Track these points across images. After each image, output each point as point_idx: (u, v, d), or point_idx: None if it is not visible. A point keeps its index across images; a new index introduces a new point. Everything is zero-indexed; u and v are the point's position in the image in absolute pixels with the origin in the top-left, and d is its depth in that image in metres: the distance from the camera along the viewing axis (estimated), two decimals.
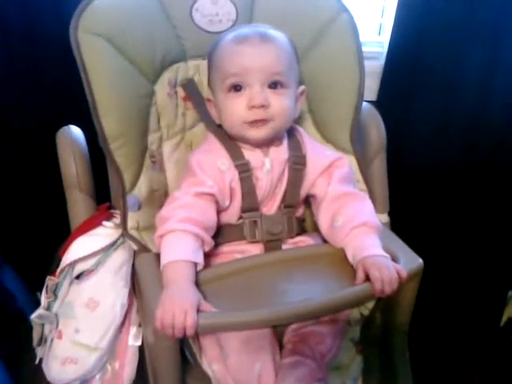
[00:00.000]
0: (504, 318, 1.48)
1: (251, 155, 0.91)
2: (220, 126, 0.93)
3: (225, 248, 0.92)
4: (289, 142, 0.94)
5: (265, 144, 0.91)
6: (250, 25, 0.97)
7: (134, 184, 0.92)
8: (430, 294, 1.18)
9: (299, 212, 0.98)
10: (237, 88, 0.86)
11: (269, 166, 0.91)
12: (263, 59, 0.85)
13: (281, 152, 0.92)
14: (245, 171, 0.89)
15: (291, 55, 0.91)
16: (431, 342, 1.43)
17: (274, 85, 0.86)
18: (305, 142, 0.96)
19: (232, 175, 0.89)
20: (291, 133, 0.96)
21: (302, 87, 0.94)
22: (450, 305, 1.53)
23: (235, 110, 0.87)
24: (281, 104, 0.86)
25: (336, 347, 0.90)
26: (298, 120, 1.05)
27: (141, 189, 0.92)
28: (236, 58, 0.86)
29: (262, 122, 0.86)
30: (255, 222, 0.91)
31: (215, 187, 0.86)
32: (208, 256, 0.90)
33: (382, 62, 1.38)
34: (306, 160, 0.93)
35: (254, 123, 0.86)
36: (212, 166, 0.88)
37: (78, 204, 0.98)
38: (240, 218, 0.92)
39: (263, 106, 0.85)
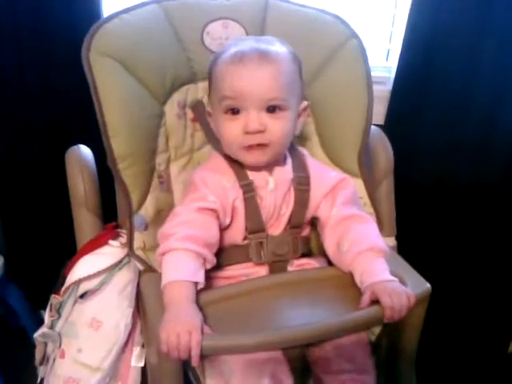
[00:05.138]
0: None
1: (255, 174, 0.90)
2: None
3: (230, 270, 0.92)
4: (293, 162, 0.94)
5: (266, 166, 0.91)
6: (252, 38, 0.95)
7: (141, 204, 0.92)
8: (438, 319, 1.16)
9: (305, 232, 0.97)
10: (234, 111, 0.85)
11: (273, 185, 0.91)
12: (260, 84, 0.83)
13: (285, 172, 0.92)
14: (249, 191, 0.89)
15: (293, 73, 0.88)
16: (438, 369, 1.41)
17: (271, 108, 0.85)
18: (308, 163, 0.96)
19: (236, 193, 0.89)
20: (294, 154, 0.96)
21: (305, 103, 0.93)
22: (457, 330, 1.51)
23: (231, 134, 0.86)
24: (278, 128, 0.85)
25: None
26: (306, 142, 1.05)
27: (148, 209, 0.93)
28: (232, 81, 0.84)
29: (259, 147, 0.86)
30: (261, 243, 0.91)
31: (218, 202, 0.86)
32: (213, 278, 0.89)
33: (389, 86, 1.39)
34: (310, 181, 0.93)
35: (251, 148, 0.86)
36: (216, 183, 0.88)
37: (85, 223, 0.98)
38: (245, 238, 0.92)
39: (259, 132, 0.84)
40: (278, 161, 0.92)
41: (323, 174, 0.95)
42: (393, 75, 1.38)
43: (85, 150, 1.00)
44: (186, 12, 1.00)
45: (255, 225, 0.90)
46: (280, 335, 0.71)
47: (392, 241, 1.05)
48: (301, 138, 1.05)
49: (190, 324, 0.69)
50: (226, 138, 0.88)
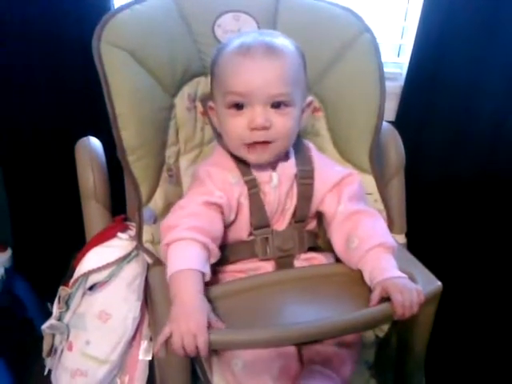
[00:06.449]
0: None
1: (259, 170, 0.90)
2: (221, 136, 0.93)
3: (236, 266, 0.91)
4: (296, 156, 0.93)
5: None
6: (256, 31, 0.95)
7: (150, 197, 0.91)
8: (449, 317, 1.15)
9: (311, 226, 0.96)
10: (238, 106, 0.84)
11: (276, 181, 0.90)
12: (267, 79, 0.81)
13: (289, 167, 0.91)
14: (253, 187, 0.88)
15: (298, 67, 0.87)
16: (449, 369, 1.39)
17: (277, 104, 0.83)
18: (313, 156, 0.95)
19: (241, 190, 0.88)
20: (299, 147, 0.95)
21: (310, 99, 0.92)
22: (469, 329, 1.50)
23: (235, 129, 0.85)
24: (284, 125, 0.84)
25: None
26: (317, 138, 1.04)
27: (157, 202, 0.92)
28: (238, 76, 0.82)
29: (262, 145, 0.85)
30: (266, 238, 0.90)
31: (224, 198, 0.85)
32: (220, 273, 0.89)
33: (401, 82, 1.38)
34: (313, 174, 0.92)
35: (254, 146, 0.85)
36: (222, 179, 0.87)
37: (94, 215, 0.98)
38: (250, 234, 0.91)
39: (265, 128, 0.83)
40: (282, 156, 0.91)
41: (328, 168, 0.94)
42: (404, 71, 1.37)
43: (94, 142, 1.00)
44: (197, 4, 1.00)
45: (260, 220, 0.89)
46: (290, 331, 0.70)
47: (402, 238, 1.04)
48: (312, 134, 1.05)
49: (194, 325, 0.67)
50: (229, 134, 0.87)
